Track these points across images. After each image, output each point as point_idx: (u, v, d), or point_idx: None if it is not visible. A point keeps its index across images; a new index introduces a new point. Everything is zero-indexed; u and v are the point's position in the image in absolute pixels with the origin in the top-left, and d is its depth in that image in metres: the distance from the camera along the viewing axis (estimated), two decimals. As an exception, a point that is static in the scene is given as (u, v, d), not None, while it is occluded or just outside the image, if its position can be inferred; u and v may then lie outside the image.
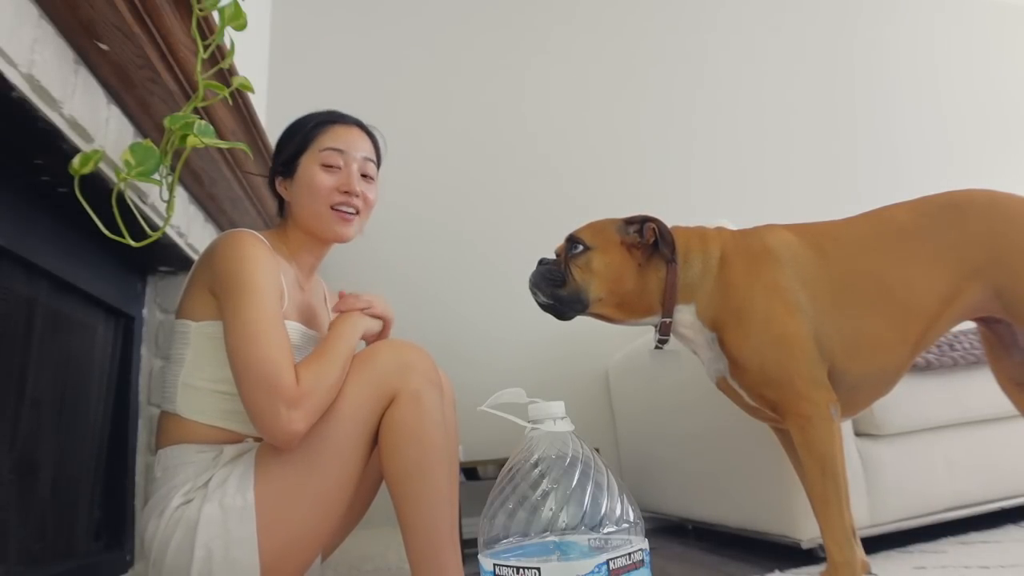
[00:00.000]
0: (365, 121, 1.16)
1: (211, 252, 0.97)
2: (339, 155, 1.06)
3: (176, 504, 0.88)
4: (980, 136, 3.06)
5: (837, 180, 2.77)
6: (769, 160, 2.73)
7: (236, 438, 0.95)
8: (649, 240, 1.08)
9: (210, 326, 0.95)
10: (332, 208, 1.05)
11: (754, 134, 2.75)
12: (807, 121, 2.84)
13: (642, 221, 1.09)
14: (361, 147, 1.09)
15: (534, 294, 1.11)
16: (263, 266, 0.93)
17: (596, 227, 1.12)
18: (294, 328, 1.01)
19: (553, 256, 1.15)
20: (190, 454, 0.92)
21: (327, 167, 1.05)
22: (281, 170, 1.09)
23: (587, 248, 1.09)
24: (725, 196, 2.61)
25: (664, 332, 1.09)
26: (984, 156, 3.01)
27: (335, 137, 1.07)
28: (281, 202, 1.13)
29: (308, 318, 1.10)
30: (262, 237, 0.99)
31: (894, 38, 3.11)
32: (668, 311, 1.07)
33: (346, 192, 1.06)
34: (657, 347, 1.13)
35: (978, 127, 3.07)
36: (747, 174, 2.68)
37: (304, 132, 1.08)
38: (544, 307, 1.12)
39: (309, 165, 1.06)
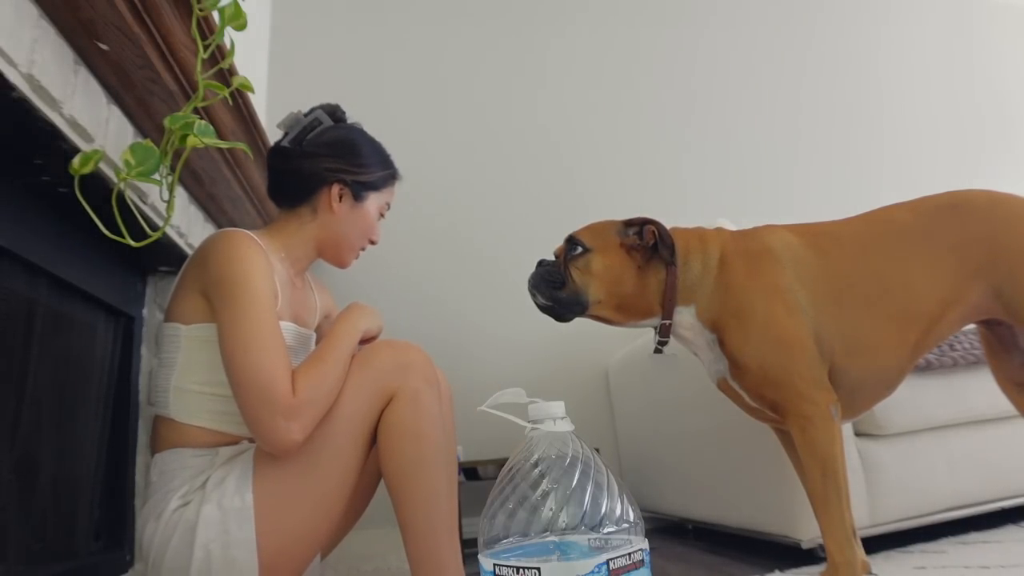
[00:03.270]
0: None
1: (203, 253, 0.96)
2: (387, 210, 1.19)
3: (174, 507, 0.88)
4: (980, 136, 3.06)
5: (838, 180, 2.77)
6: (770, 160, 2.73)
7: (231, 440, 0.95)
8: (649, 242, 1.08)
9: (201, 329, 0.94)
10: (359, 248, 1.17)
11: (755, 134, 2.75)
12: (808, 121, 2.84)
13: (642, 223, 1.09)
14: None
15: (533, 296, 1.11)
16: (258, 268, 0.92)
17: (596, 229, 1.12)
18: (288, 328, 1.01)
19: (552, 257, 1.15)
20: (186, 458, 0.92)
21: (379, 215, 1.17)
22: (354, 188, 1.10)
23: (586, 250, 1.09)
24: (726, 196, 2.61)
25: (664, 334, 1.09)
26: (984, 156, 3.01)
27: (393, 195, 1.20)
28: (307, 191, 1.09)
29: (300, 315, 1.10)
30: (254, 236, 0.98)
31: (895, 39, 3.11)
32: (668, 313, 1.07)
33: (372, 241, 1.18)
34: (657, 350, 1.13)
35: (978, 127, 3.07)
36: (748, 175, 2.68)
37: (385, 174, 1.15)
38: (543, 309, 1.11)
39: (374, 207, 1.14)
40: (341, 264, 1.17)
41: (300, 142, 1.09)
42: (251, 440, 0.95)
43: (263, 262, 0.94)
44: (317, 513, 0.90)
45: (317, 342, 1.24)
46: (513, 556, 0.59)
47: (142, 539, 0.91)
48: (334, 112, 1.14)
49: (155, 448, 0.96)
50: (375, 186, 1.13)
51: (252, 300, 0.88)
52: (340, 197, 1.09)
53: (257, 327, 0.87)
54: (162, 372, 0.97)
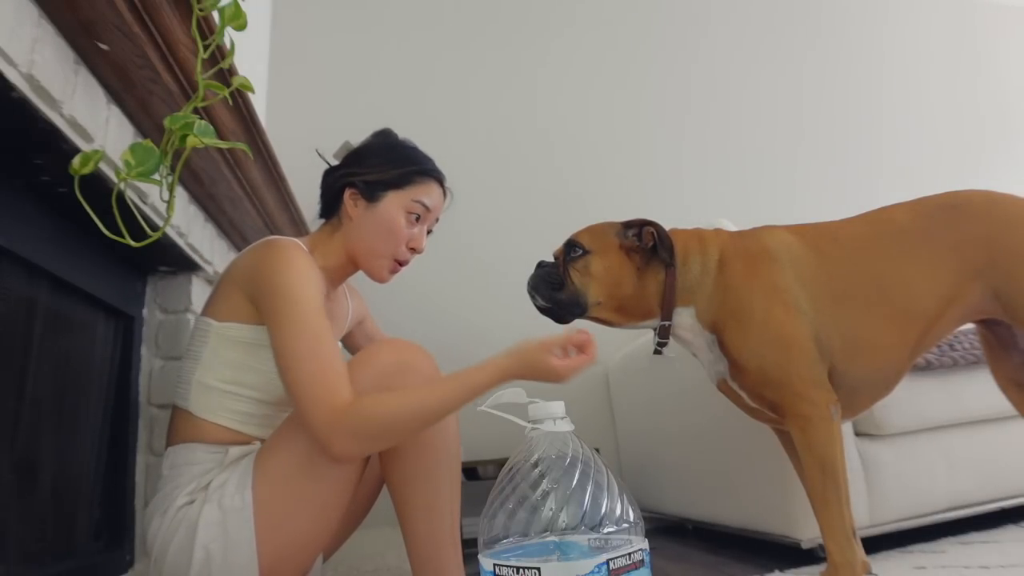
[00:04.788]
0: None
1: (253, 259, 0.96)
2: (425, 211, 1.09)
3: (180, 504, 0.88)
4: (979, 136, 3.06)
5: (838, 180, 2.77)
6: (770, 160, 2.73)
7: (245, 440, 0.95)
8: (647, 244, 1.07)
9: (232, 328, 0.95)
10: (393, 258, 1.09)
11: (755, 135, 2.75)
12: (808, 121, 2.84)
13: (640, 225, 1.09)
14: (440, 209, 1.14)
15: (532, 297, 1.11)
16: (309, 278, 0.92)
17: (595, 230, 1.12)
18: None
19: (551, 259, 1.15)
20: (198, 453, 0.92)
21: (410, 216, 1.08)
22: (363, 188, 1.07)
23: (585, 252, 1.08)
24: (726, 196, 2.61)
25: (663, 335, 1.09)
26: (984, 156, 3.01)
27: (429, 193, 1.09)
28: (332, 202, 1.11)
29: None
30: (303, 246, 0.99)
31: (895, 39, 3.11)
32: (667, 314, 1.07)
33: (412, 249, 1.10)
34: (657, 351, 1.13)
35: (977, 127, 3.07)
36: (748, 175, 2.68)
37: (404, 171, 1.08)
38: (542, 310, 1.11)
39: (395, 207, 1.07)
40: (375, 276, 1.11)
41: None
42: (263, 441, 0.95)
43: (314, 272, 0.94)
44: (318, 516, 0.90)
45: (349, 349, 1.27)
46: (513, 556, 0.59)
47: (147, 533, 0.91)
48: (377, 132, 1.17)
49: (169, 441, 0.97)
50: (390, 184, 1.07)
51: (304, 311, 0.88)
52: (355, 201, 1.08)
53: (310, 338, 0.86)
54: (187, 364, 0.98)
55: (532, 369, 0.87)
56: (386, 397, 0.85)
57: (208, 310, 0.99)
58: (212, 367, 0.95)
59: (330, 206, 1.13)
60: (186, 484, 0.90)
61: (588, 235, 1.11)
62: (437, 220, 1.16)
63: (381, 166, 1.08)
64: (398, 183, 1.08)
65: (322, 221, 1.15)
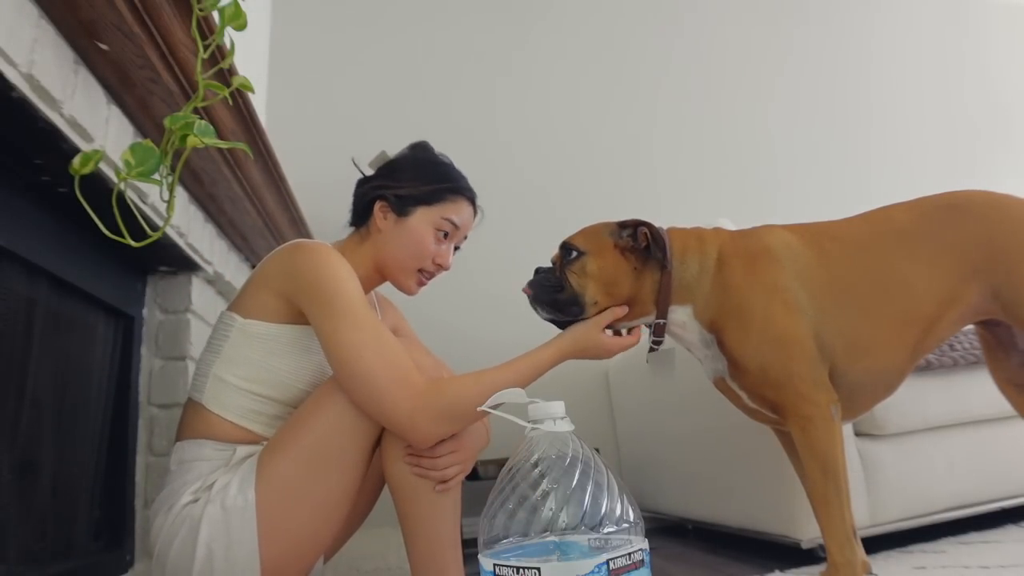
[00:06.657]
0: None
1: (291, 259, 0.97)
2: (453, 229, 1.10)
3: (185, 502, 0.88)
4: (979, 136, 3.06)
5: (837, 180, 2.77)
6: (769, 160, 2.73)
7: (254, 439, 0.95)
8: (642, 244, 1.07)
9: (256, 325, 0.95)
10: (419, 270, 1.10)
11: (755, 134, 2.75)
12: (807, 121, 2.84)
13: (635, 225, 1.09)
14: (469, 227, 1.16)
15: (536, 310, 1.11)
16: (353, 276, 0.94)
17: (589, 232, 1.12)
18: None
19: (549, 264, 1.15)
20: (207, 450, 0.92)
21: (438, 233, 1.09)
22: (394, 202, 1.08)
23: (581, 253, 1.08)
24: (725, 196, 2.61)
25: (658, 333, 1.09)
26: (983, 156, 3.01)
27: (459, 211, 1.11)
28: (363, 212, 1.12)
29: None
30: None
31: (894, 38, 3.11)
32: (662, 312, 1.07)
33: (438, 265, 1.11)
34: (652, 350, 1.13)
35: (977, 127, 3.07)
36: (747, 175, 2.68)
37: (436, 188, 1.09)
38: (547, 319, 1.12)
39: (425, 223, 1.08)
40: (402, 288, 1.12)
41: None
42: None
43: (353, 272, 0.96)
44: (320, 516, 0.90)
45: None
46: (513, 556, 0.59)
47: (151, 529, 0.91)
48: (413, 144, 1.17)
49: (180, 434, 0.96)
50: (421, 199, 1.08)
51: (355, 304, 0.90)
52: (385, 214, 1.09)
53: (370, 330, 0.88)
54: (207, 357, 0.98)
55: (586, 347, 1.02)
56: (463, 379, 0.89)
57: (234, 306, 0.99)
58: (231, 363, 0.95)
59: (361, 216, 1.13)
60: (192, 482, 0.90)
61: (582, 237, 1.11)
62: (466, 238, 1.16)
63: (413, 181, 1.09)
64: (429, 199, 1.08)
65: (352, 229, 1.15)
